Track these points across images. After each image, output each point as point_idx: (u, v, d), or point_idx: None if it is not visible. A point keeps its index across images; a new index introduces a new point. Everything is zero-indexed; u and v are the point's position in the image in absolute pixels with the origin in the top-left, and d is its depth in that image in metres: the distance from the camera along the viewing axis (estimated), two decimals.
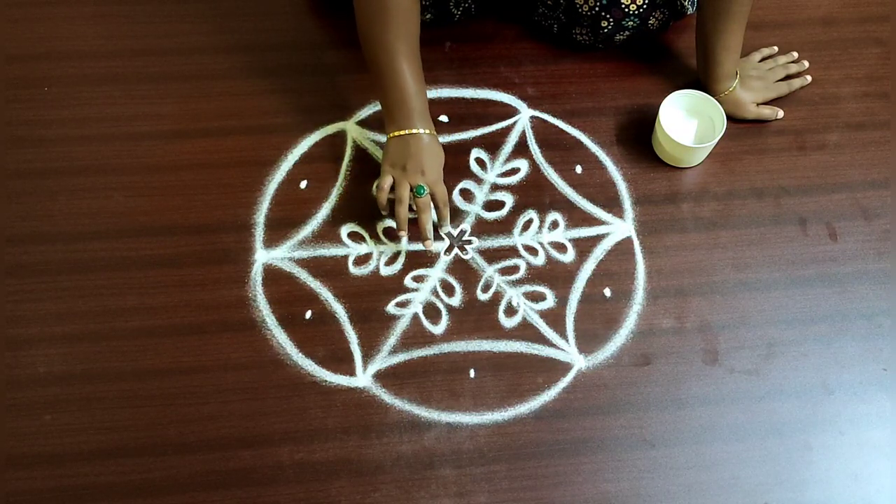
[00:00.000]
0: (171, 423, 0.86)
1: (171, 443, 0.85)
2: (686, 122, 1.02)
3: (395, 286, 0.94)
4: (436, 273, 0.95)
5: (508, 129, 1.04)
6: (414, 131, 0.89)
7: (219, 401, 0.87)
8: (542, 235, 0.97)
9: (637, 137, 1.03)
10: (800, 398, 0.89)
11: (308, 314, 0.92)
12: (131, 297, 0.92)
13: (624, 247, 0.97)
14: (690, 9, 1.06)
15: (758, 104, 1.04)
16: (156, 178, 0.99)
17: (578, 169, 1.01)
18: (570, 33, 1.06)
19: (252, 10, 1.12)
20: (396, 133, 0.90)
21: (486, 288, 0.94)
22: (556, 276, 0.95)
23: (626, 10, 1.00)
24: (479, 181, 1.00)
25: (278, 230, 0.96)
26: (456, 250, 0.96)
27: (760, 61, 1.07)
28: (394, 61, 0.87)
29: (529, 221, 0.98)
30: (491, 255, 0.96)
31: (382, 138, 1.02)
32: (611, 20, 1.01)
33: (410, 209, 0.91)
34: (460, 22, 1.09)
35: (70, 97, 1.04)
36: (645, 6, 1.01)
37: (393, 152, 0.91)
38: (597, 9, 1.01)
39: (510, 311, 0.93)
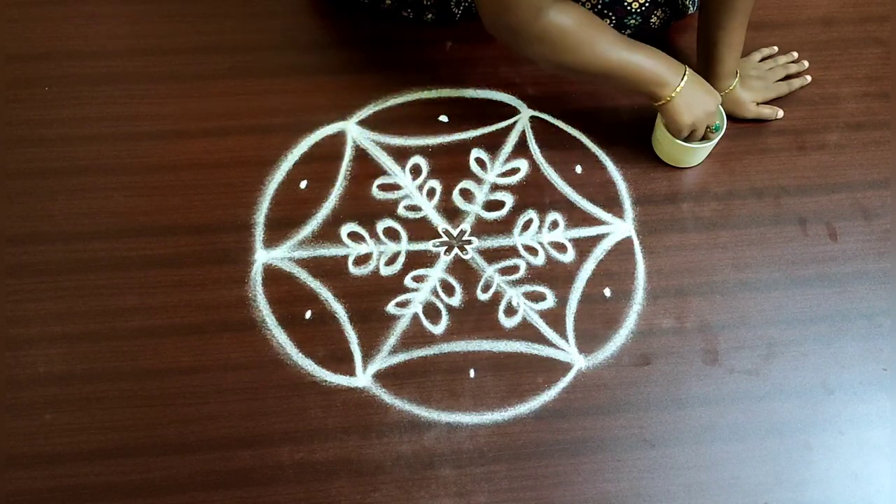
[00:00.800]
0: (171, 423, 0.86)
1: (171, 443, 0.85)
2: None
3: (395, 286, 0.94)
4: (436, 273, 0.95)
5: (508, 129, 1.04)
6: (680, 84, 0.89)
7: (219, 401, 0.87)
8: (542, 235, 0.97)
9: (637, 137, 1.03)
10: (800, 398, 0.89)
11: (308, 314, 0.92)
12: (131, 297, 0.92)
13: (624, 247, 0.97)
14: (692, 8, 1.06)
15: (758, 104, 1.04)
16: (156, 178, 0.99)
17: (578, 169, 1.01)
18: None
19: (252, 10, 1.12)
20: (679, 85, 0.89)
21: (486, 288, 0.94)
22: (556, 276, 0.95)
23: (629, 7, 1.00)
24: (479, 181, 1.00)
25: (278, 230, 0.96)
26: (456, 250, 0.96)
27: (760, 61, 1.07)
28: (620, 55, 0.85)
29: (529, 221, 0.98)
30: (491, 255, 0.96)
31: (382, 138, 1.02)
32: (613, 18, 1.01)
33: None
34: (461, 22, 1.09)
35: (70, 97, 1.04)
36: (647, 4, 1.01)
37: (684, 112, 0.91)
38: (599, 6, 1.01)
39: (510, 311, 0.93)
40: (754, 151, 1.03)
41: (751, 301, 0.94)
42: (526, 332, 0.92)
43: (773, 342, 0.92)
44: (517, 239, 0.97)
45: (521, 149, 1.02)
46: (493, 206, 0.99)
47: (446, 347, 0.91)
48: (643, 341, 0.91)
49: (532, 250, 0.96)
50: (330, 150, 1.02)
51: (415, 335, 0.91)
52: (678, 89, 0.89)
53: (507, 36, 0.83)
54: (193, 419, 0.86)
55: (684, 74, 0.89)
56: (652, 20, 1.03)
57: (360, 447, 0.85)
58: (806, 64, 1.08)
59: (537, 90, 1.06)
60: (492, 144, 1.03)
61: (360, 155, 1.02)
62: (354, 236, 0.97)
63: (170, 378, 0.88)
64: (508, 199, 0.99)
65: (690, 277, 0.95)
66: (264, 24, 1.11)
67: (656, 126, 0.99)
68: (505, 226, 0.98)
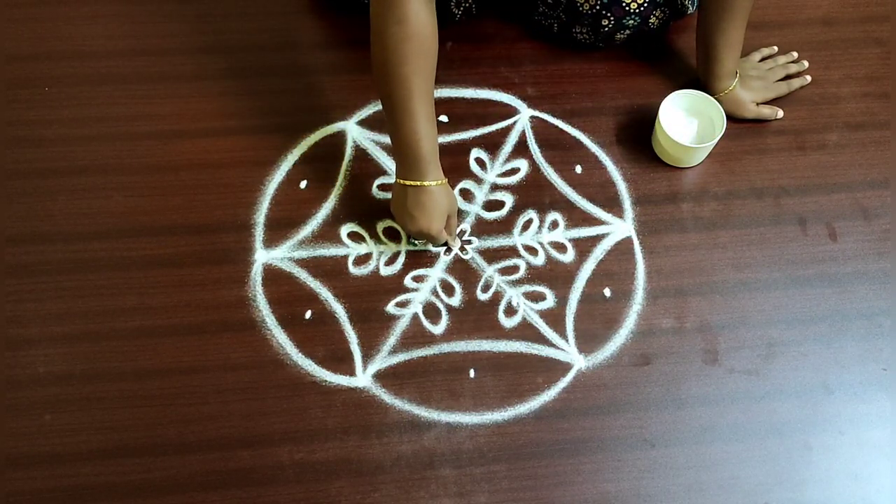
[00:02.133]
0: (171, 423, 0.86)
1: (171, 443, 0.85)
2: (686, 122, 1.02)
3: (394, 286, 0.94)
4: (436, 273, 0.95)
5: (508, 129, 1.04)
6: (421, 183, 0.86)
7: (219, 401, 0.87)
8: (541, 235, 0.97)
9: (637, 137, 1.03)
10: (800, 398, 0.89)
11: (308, 314, 0.92)
12: (131, 297, 0.92)
13: (624, 247, 0.97)
14: (691, 8, 1.06)
15: (757, 104, 1.04)
16: (156, 178, 0.99)
17: (578, 169, 1.01)
18: (571, 32, 1.06)
19: (252, 10, 1.12)
20: (406, 182, 0.87)
21: (485, 288, 0.94)
22: (555, 276, 0.95)
23: (627, 8, 1.00)
24: (478, 181, 1.00)
25: (278, 230, 0.96)
26: (456, 250, 0.96)
27: (760, 61, 1.07)
28: (409, 100, 0.82)
29: (529, 221, 0.98)
30: (491, 255, 0.96)
31: (382, 138, 1.02)
32: (612, 19, 1.01)
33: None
34: (461, 22, 1.09)
35: (70, 97, 1.04)
36: (646, 5, 1.01)
37: (396, 203, 0.90)
38: (597, 7, 1.01)
39: (510, 310, 0.93)
40: (754, 151, 1.03)
41: (751, 301, 0.94)
42: (526, 332, 0.92)
43: (773, 342, 0.92)
44: (517, 239, 0.97)
45: (520, 149, 1.02)
46: (493, 206, 0.99)
47: (446, 347, 0.91)
48: (643, 341, 0.91)
49: (532, 250, 0.96)
50: (330, 150, 1.02)
51: (415, 335, 0.91)
52: (409, 183, 0.86)
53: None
54: (193, 419, 0.86)
55: (428, 184, 0.86)
56: (651, 20, 1.03)
57: (360, 447, 0.85)
58: (806, 64, 1.08)
59: (537, 90, 1.06)
60: (492, 144, 1.03)
61: (360, 155, 1.02)
62: (354, 236, 0.97)
63: (170, 378, 0.88)
64: (508, 199, 0.99)
65: (690, 277, 0.95)
66: (264, 24, 1.11)
67: (656, 126, 0.99)
68: (505, 226, 0.98)
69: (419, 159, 0.85)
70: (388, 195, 0.98)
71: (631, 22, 1.02)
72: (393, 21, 0.79)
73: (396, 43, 0.80)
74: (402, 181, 0.87)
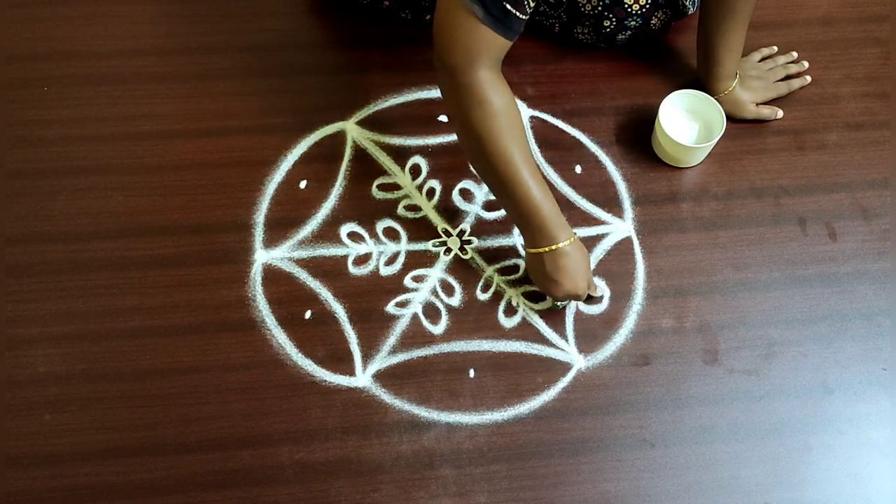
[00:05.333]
0: (171, 423, 0.86)
1: (171, 443, 0.85)
2: (686, 122, 1.02)
3: (394, 286, 0.94)
4: (435, 273, 0.95)
5: None
6: (554, 247, 0.83)
7: (219, 401, 0.87)
8: None
9: (637, 137, 1.03)
10: (799, 398, 0.89)
11: (308, 314, 0.92)
12: (131, 297, 0.92)
13: (623, 247, 0.97)
14: (692, 8, 1.06)
15: (757, 104, 1.04)
16: (156, 178, 0.99)
17: (578, 169, 1.01)
18: (572, 32, 1.06)
19: (252, 10, 1.12)
20: (536, 250, 0.85)
21: (485, 288, 0.94)
22: None
23: (629, 9, 1.00)
24: (478, 181, 1.00)
25: (278, 230, 0.96)
26: (456, 250, 0.96)
27: (760, 61, 1.07)
28: (516, 171, 0.80)
29: None
30: (490, 255, 0.96)
31: (382, 138, 1.02)
32: (613, 19, 1.01)
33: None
34: None
35: (70, 97, 1.04)
36: (647, 6, 1.01)
37: (536, 271, 0.87)
38: (599, 8, 1.01)
39: (510, 310, 0.93)
40: (754, 151, 1.03)
41: (750, 301, 0.94)
42: (525, 331, 0.92)
43: (773, 342, 0.92)
44: (517, 239, 0.97)
45: None
46: (493, 205, 0.99)
47: (446, 347, 0.91)
48: (643, 341, 0.91)
49: None
50: (330, 150, 1.02)
51: (414, 335, 0.91)
52: (540, 251, 0.84)
53: (441, 75, 0.80)
54: (193, 419, 0.86)
55: (559, 245, 0.83)
56: (652, 21, 1.03)
57: (360, 447, 0.85)
58: (806, 64, 1.08)
59: (537, 90, 1.06)
60: None
61: (360, 155, 1.02)
62: (354, 236, 0.97)
63: (170, 378, 0.88)
64: None
65: (690, 277, 0.95)
66: (264, 24, 1.11)
67: (656, 126, 0.99)
68: (504, 225, 0.98)
69: (544, 225, 0.82)
70: (389, 195, 0.99)
71: (633, 23, 1.02)
72: (474, 105, 0.78)
73: (484, 124, 0.78)
74: (533, 250, 0.85)
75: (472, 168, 0.83)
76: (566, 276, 0.84)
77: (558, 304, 0.92)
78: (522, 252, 0.95)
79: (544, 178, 0.83)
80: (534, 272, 0.88)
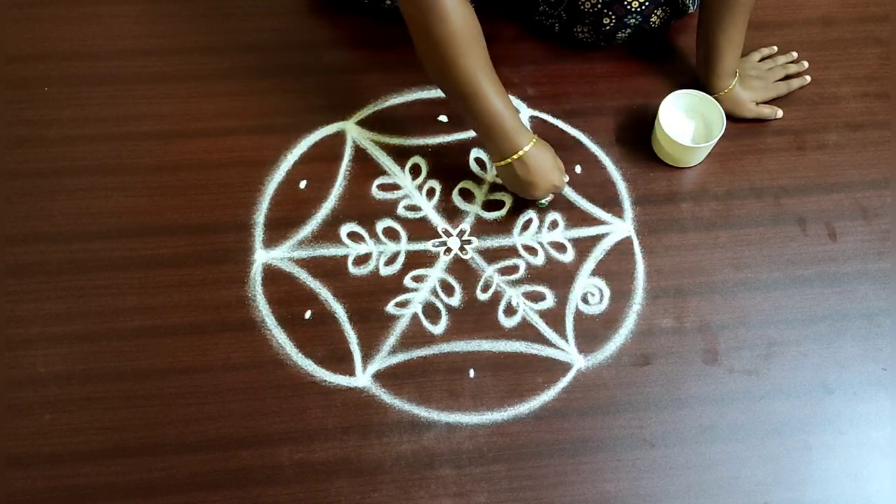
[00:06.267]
0: (171, 423, 0.86)
1: (171, 443, 0.85)
2: (686, 122, 1.02)
3: (394, 286, 0.94)
4: (435, 273, 0.95)
5: None
6: (519, 153, 0.87)
7: (219, 401, 0.87)
8: (541, 235, 0.97)
9: (637, 137, 1.03)
10: (799, 398, 0.89)
11: (308, 314, 0.92)
12: (131, 297, 0.92)
13: (623, 247, 0.97)
14: (691, 7, 1.06)
15: (757, 104, 1.04)
16: (156, 178, 0.99)
17: (578, 169, 1.01)
18: (572, 31, 1.06)
19: (252, 10, 1.12)
20: (505, 162, 0.88)
21: (485, 288, 0.94)
22: (555, 275, 0.95)
23: (629, 7, 1.00)
24: (478, 181, 1.00)
25: (278, 230, 0.96)
26: (456, 250, 0.96)
27: (760, 61, 1.07)
28: (478, 86, 0.83)
29: (529, 221, 0.98)
30: (490, 255, 0.96)
31: (382, 138, 1.02)
32: (613, 17, 1.01)
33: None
34: None
35: (70, 97, 1.04)
36: (647, 4, 1.01)
37: (511, 180, 0.91)
38: (599, 6, 1.01)
39: (510, 310, 0.93)
40: (754, 151, 1.03)
41: (750, 301, 0.94)
42: (525, 332, 0.92)
43: (773, 342, 0.92)
44: (517, 239, 0.97)
45: None
46: (492, 205, 0.99)
47: (446, 347, 0.91)
48: (643, 341, 0.91)
49: (532, 250, 0.96)
50: (329, 150, 1.02)
51: (414, 335, 0.91)
52: (508, 161, 0.88)
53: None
54: (193, 419, 0.86)
55: (522, 151, 0.87)
56: (652, 19, 1.03)
57: (360, 447, 0.85)
58: (805, 64, 1.08)
59: (537, 90, 1.06)
60: None
61: (360, 155, 1.02)
62: (354, 236, 0.97)
63: (170, 378, 0.88)
64: (508, 199, 0.99)
65: (690, 277, 0.95)
66: (264, 24, 1.11)
67: (656, 126, 0.99)
68: (504, 226, 0.98)
69: (507, 133, 0.86)
70: (389, 195, 0.99)
71: (632, 21, 1.02)
72: (435, 21, 0.79)
73: (446, 40, 0.80)
74: (502, 162, 0.89)
75: (435, 84, 0.85)
76: (539, 176, 0.89)
77: (543, 202, 0.97)
78: (493, 170, 1.00)
79: (502, 85, 0.86)
80: (509, 182, 0.92)
